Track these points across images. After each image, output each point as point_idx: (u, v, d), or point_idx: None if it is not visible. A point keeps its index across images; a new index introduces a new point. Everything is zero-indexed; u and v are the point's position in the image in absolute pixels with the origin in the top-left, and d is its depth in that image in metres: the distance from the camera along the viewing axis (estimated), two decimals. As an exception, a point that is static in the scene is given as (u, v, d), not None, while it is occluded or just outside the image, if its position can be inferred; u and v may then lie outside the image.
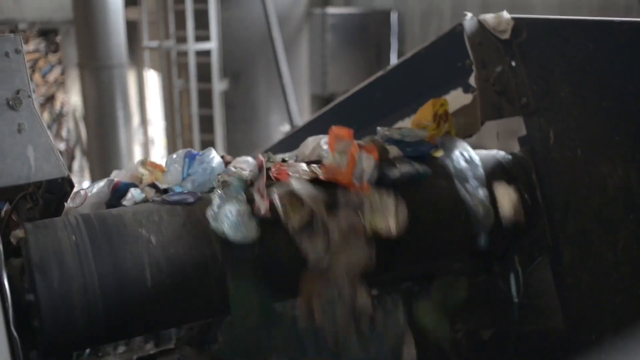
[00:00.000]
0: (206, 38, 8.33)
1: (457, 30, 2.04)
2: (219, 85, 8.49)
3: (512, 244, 1.92)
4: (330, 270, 1.59)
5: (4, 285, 1.34)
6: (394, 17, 8.56)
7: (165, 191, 1.79)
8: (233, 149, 8.29)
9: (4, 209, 1.64)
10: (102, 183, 1.85)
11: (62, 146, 12.52)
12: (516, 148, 1.96)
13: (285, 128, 8.13)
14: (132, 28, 9.58)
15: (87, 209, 1.76)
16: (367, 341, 1.66)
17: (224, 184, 1.64)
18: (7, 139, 1.52)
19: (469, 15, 1.98)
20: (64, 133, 12.67)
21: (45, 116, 12.51)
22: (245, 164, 1.95)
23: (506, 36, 1.91)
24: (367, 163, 1.69)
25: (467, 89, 2.28)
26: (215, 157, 1.88)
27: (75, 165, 12.27)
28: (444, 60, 2.32)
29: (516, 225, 1.81)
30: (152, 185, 1.84)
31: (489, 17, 1.94)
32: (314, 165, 1.75)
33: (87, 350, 2.06)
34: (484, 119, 2.00)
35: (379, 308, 1.76)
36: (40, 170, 1.54)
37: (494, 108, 1.96)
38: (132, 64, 10.39)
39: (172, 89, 8.64)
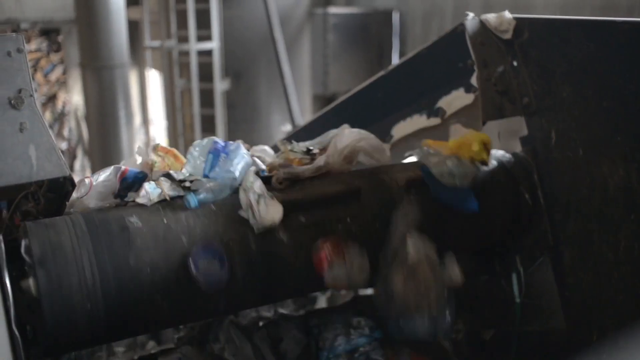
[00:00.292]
0: (208, 38, 8.32)
1: (459, 30, 2.04)
2: (220, 85, 8.48)
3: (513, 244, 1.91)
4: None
5: (6, 284, 1.34)
6: (395, 17, 8.54)
7: (181, 182, 1.62)
8: (234, 149, 8.24)
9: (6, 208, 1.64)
10: (108, 171, 1.68)
11: (63, 145, 12.50)
12: (517, 148, 1.95)
13: (287, 128, 8.12)
14: (134, 28, 9.59)
15: (93, 199, 1.64)
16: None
17: None
18: (9, 138, 1.52)
19: (471, 15, 1.98)
20: (65, 132, 12.65)
21: (47, 115, 12.50)
22: (263, 153, 1.93)
23: (508, 36, 1.90)
24: None
25: (468, 88, 2.28)
26: (240, 163, 1.68)
27: (77, 164, 12.25)
28: (445, 60, 2.33)
29: None
30: (167, 176, 1.64)
31: (490, 17, 1.94)
32: None
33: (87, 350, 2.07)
34: (485, 119, 2.00)
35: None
36: (42, 169, 1.54)
37: (496, 108, 1.96)
38: (134, 63, 10.39)
39: (174, 88, 8.64)
